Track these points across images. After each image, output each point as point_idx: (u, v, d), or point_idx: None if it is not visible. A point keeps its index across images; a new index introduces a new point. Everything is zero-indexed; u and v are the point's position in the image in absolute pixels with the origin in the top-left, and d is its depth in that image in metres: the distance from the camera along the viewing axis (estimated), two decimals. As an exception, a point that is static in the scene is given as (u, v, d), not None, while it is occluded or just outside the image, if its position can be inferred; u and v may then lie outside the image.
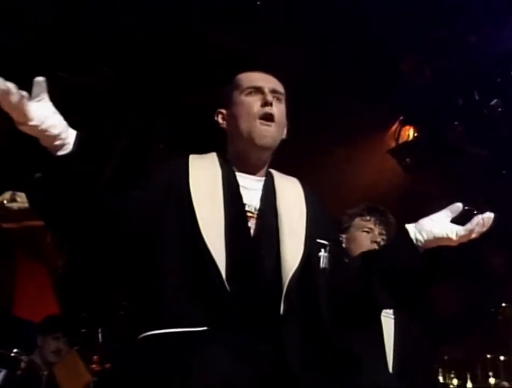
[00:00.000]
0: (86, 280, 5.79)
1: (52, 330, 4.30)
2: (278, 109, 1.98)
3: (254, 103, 1.96)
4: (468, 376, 5.53)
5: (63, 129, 1.69)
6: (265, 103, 1.95)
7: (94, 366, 5.22)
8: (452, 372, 5.68)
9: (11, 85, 1.54)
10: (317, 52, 5.22)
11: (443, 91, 5.57)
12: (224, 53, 4.82)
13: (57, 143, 1.67)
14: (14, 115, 1.59)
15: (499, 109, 5.32)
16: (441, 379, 5.62)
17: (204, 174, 1.92)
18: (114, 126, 5.36)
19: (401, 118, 6.30)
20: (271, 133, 1.95)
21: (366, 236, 2.87)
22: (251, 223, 1.88)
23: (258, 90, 1.98)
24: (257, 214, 1.89)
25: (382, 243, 2.86)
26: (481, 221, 1.92)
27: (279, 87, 2.04)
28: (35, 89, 1.60)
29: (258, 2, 4.82)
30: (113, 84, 5.09)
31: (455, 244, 1.91)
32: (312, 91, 5.39)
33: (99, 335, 5.25)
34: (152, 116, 5.41)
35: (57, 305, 5.36)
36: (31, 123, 1.61)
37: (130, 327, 1.90)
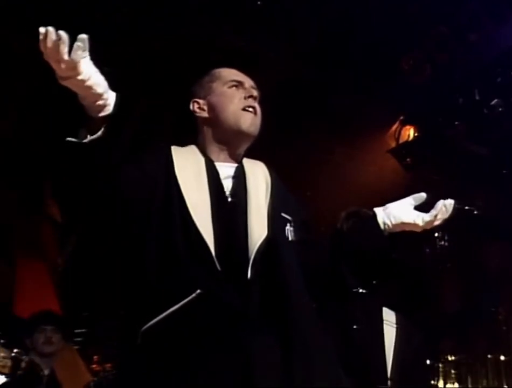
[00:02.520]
0: (87, 279, 5.80)
1: (35, 326, 4.25)
2: (257, 106, 2.07)
3: (237, 95, 2.05)
4: (469, 376, 5.54)
5: (106, 89, 1.72)
6: (249, 96, 2.05)
7: (94, 365, 5.23)
8: (453, 372, 5.69)
9: (64, 36, 1.55)
10: (317, 51, 5.21)
11: (443, 91, 5.57)
12: (224, 54, 4.82)
13: (100, 102, 1.70)
14: (63, 67, 1.59)
15: (500, 109, 5.32)
16: (441, 379, 5.63)
17: (188, 163, 1.99)
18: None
19: (402, 118, 6.30)
20: (256, 122, 2.05)
21: None
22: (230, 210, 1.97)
23: (240, 84, 2.08)
24: (231, 197, 1.98)
25: None
26: (444, 208, 2.01)
27: (255, 85, 2.13)
28: (79, 46, 1.59)
29: (259, 2, 4.82)
30: (113, 84, 5.08)
31: (420, 230, 2.04)
32: (313, 90, 5.38)
33: (100, 334, 5.26)
34: (152, 118, 5.41)
35: (58, 303, 5.37)
36: (79, 76, 1.62)
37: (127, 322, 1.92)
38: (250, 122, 2.02)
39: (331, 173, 5.91)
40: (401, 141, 6.28)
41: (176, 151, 2.03)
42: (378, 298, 2.90)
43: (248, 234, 1.90)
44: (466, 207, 6.39)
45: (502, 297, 5.77)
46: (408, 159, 6.20)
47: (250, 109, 2.03)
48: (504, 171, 5.76)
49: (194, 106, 2.11)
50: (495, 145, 5.68)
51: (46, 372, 4.14)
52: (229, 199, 1.97)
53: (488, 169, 5.76)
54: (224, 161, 2.05)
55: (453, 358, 5.70)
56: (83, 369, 5.14)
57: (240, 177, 2.02)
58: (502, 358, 5.51)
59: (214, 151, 2.05)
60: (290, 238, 1.98)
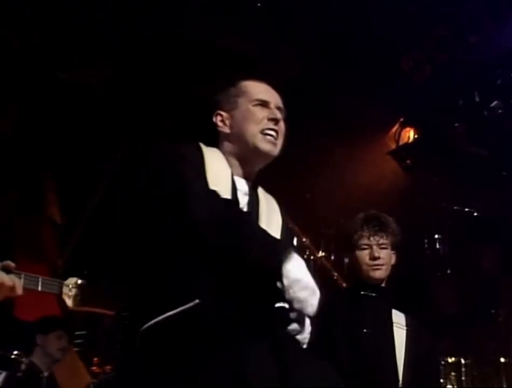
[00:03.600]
0: (87, 280, 5.78)
1: (53, 329, 4.28)
2: (280, 128, 2.07)
3: (261, 115, 2.04)
4: (469, 378, 5.52)
5: None
6: (273, 119, 2.04)
7: (94, 367, 5.23)
8: (453, 374, 5.67)
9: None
10: (318, 52, 5.22)
11: (443, 92, 5.57)
12: (225, 55, 4.83)
13: None
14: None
15: (500, 110, 5.32)
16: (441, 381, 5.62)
17: (218, 169, 1.99)
18: (114, 127, 5.36)
19: (402, 119, 6.30)
20: (276, 145, 2.05)
21: (365, 253, 2.85)
22: None
23: (266, 103, 2.07)
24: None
25: (383, 255, 2.85)
26: None
27: (282, 104, 2.12)
28: None
29: (259, 4, 4.83)
30: (113, 85, 5.10)
31: None
32: (314, 91, 5.39)
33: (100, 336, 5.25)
34: (153, 116, 5.41)
35: (57, 305, 5.36)
36: None
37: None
38: (269, 146, 2.03)
39: (331, 173, 5.91)
40: (401, 143, 6.29)
41: (206, 152, 2.02)
42: (387, 300, 2.88)
43: None
44: (466, 209, 6.40)
45: (501, 299, 5.76)
46: (408, 161, 6.21)
47: (271, 132, 2.03)
48: (503, 173, 5.76)
49: (217, 119, 2.11)
50: (495, 147, 5.69)
51: (46, 373, 4.16)
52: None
53: (488, 171, 5.76)
54: (240, 176, 2.05)
55: (453, 359, 5.68)
56: (83, 371, 5.14)
57: (253, 196, 2.05)
58: (502, 359, 5.50)
59: (233, 164, 2.05)
60: None
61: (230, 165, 2.04)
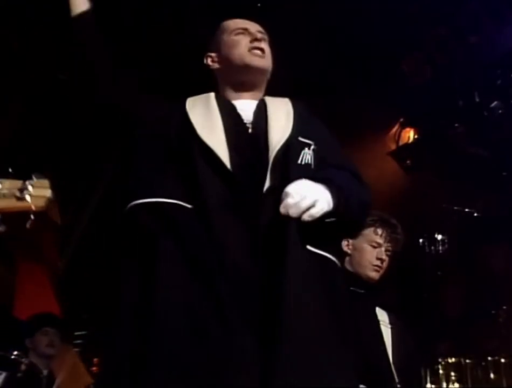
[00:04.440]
0: (87, 281, 5.79)
1: (39, 328, 4.27)
2: (265, 46, 2.15)
3: (243, 40, 2.14)
4: (469, 378, 5.53)
5: None
6: (255, 39, 2.13)
7: (94, 368, 5.22)
8: (453, 374, 5.68)
9: None
10: (317, 53, 5.22)
11: (443, 93, 5.57)
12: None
13: None
14: None
15: (500, 111, 5.32)
16: (442, 381, 5.62)
17: (199, 101, 2.07)
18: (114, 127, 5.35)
19: (402, 120, 6.31)
20: (263, 57, 2.13)
21: (372, 250, 2.84)
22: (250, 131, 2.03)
23: (246, 30, 2.17)
24: (251, 124, 2.03)
25: (386, 260, 2.85)
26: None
27: (263, 30, 2.21)
28: None
29: (259, 5, 4.82)
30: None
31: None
32: (313, 92, 5.38)
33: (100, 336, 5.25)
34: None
35: (57, 306, 5.36)
36: None
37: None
38: (257, 59, 2.10)
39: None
40: (401, 143, 6.29)
41: (190, 100, 2.09)
42: (374, 297, 2.89)
43: (268, 150, 1.93)
44: (466, 209, 6.40)
45: (502, 300, 5.76)
46: (408, 161, 6.21)
47: (257, 50, 2.11)
48: (504, 173, 5.76)
49: (208, 60, 2.21)
50: (495, 147, 5.68)
51: (45, 373, 4.16)
52: (249, 126, 2.02)
53: (488, 171, 5.76)
54: (246, 98, 2.11)
55: (454, 360, 5.69)
56: (83, 372, 5.13)
57: (260, 108, 2.07)
58: (503, 360, 5.50)
59: (232, 95, 2.12)
60: (304, 161, 1.97)
61: (230, 97, 2.11)
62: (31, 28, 4.45)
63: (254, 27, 2.19)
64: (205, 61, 2.22)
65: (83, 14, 2.16)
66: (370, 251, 2.84)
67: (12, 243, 5.43)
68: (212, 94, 2.10)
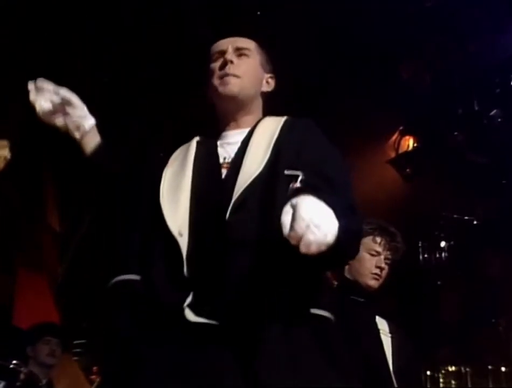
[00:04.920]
0: (86, 289, 5.78)
1: (41, 337, 4.27)
2: (242, 64, 1.99)
3: (216, 66, 1.99)
4: (469, 387, 5.52)
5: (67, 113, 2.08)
6: (223, 64, 1.97)
7: (93, 376, 5.22)
8: (453, 382, 5.66)
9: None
10: (316, 60, 5.22)
11: (443, 101, 5.58)
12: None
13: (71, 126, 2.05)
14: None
15: (499, 119, 5.32)
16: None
17: (181, 156, 1.96)
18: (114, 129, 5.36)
19: (401, 128, 6.31)
20: (233, 83, 1.95)
21: (371, 259, 2.82)
22: (224, 173, 1.88)
23: (221, 53, 2.00)
24: (230, 163, 1.90)
25: (386, 268, 2.84)
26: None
27: (245, 43, 2.04)
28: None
29: (259, 13, 4.83)
30: (113, 85, 5.12)
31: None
32: (312, 99, 5.39)
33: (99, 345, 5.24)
34: (154, 122, 5.42)
35: (56, 314, 5.35)
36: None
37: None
38: (222, 87, 1.95)
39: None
40: (400, 151, 6.29)
41: (177, 152, 2.01)
42: (374, 306, 2.87)
43: (237, 180, 1.80)
44: (466, 217, 6.39)
45: (502, 308, 5.75)
46: (407, 169, 6.21)
47: (225, 78, 1.95)
48: (503, 181, 5.76)
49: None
50: (495, 155, 5.69)
51: (44, 381, 4.15)
52: (227, 165, 1.88)
53: (488, 179, 5.76)
54: (235, 128, 1.99)
55: (454, 368, 5.68)
56: (83, 380, 5.13)
57: (244, 141, 1.93)
58: (503, 369, 5.49)
59: (225, 127, 2.00)
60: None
61: (223, 126, 2.00)
62: (31, 28, 4.45)
63: (232, 44, 2.01)
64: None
65: (96, 152, 2.01)
66: (369, 259, 2.83)
67: (13, 252, 5.43)
68: (195, 140, 1.99)
